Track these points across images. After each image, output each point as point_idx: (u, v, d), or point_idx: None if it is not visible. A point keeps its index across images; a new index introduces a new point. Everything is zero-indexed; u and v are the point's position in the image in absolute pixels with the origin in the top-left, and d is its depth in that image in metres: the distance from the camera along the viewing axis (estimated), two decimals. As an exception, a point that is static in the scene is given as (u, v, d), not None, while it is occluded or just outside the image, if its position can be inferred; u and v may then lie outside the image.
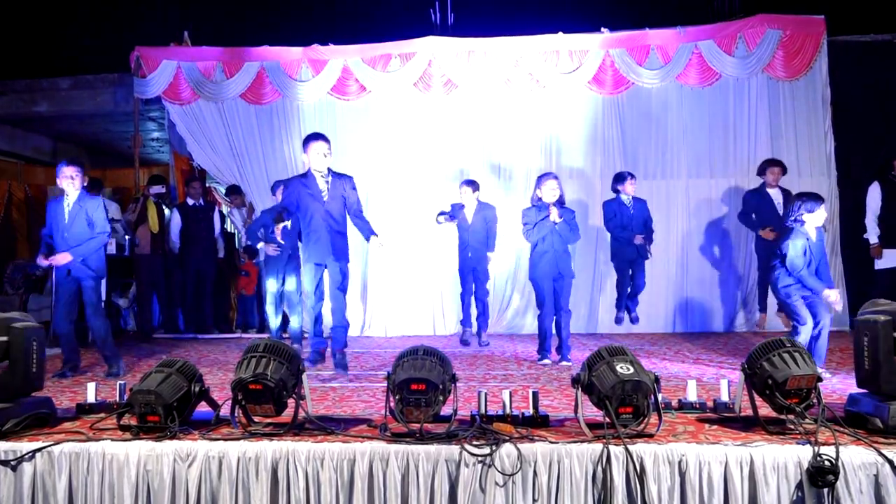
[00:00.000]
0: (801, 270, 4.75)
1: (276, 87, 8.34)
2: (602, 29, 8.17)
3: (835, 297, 4.74)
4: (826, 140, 7.95)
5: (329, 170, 5.11)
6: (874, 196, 6.98)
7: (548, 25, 8.22)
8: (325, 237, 5.01)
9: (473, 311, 7.12)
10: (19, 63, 9.89)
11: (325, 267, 5.08)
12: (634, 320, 7.03)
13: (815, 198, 4.87)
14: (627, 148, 8.17)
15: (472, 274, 6.91)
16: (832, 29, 7.99)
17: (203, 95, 8.40)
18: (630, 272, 6.94)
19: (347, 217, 5.19)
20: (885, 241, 6.94)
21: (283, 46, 8.40)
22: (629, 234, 6.82)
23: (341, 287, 5.08)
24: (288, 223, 5.98)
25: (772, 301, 6.77)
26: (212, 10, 9.59)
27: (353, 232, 5.27)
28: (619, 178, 6.93)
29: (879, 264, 6.99)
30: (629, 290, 7.01)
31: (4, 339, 3.39)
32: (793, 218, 4.85)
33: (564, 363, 5.69)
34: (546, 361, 5.72)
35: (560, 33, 8.15)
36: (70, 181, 5.33)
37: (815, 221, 4.83)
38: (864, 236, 7.12)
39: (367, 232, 5.16)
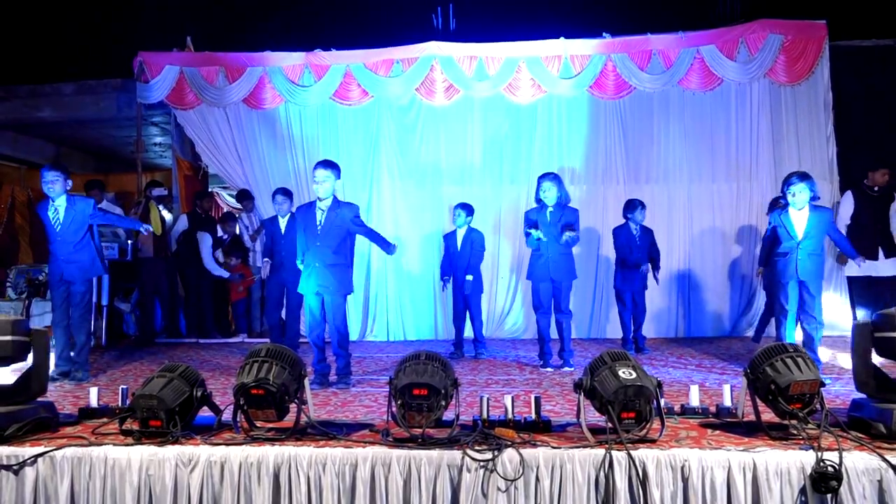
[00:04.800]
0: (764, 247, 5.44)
1: (279, 93, 8.37)
2: (604, 34, 8.19)
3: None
4: (828, 144, 7.95)
5: (334, 198, 5.00)
6: (846, 207, 7.29)
7: (550, 30, 8.24)
8: (315, 270, 4.94)
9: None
10: (23, 68, 9.92)
11: (323, 297, 5.00)
12: (642, 350, 6.86)
13: (789, 176, 5.19)
14: (629, 152, 8.18)
15: (463, 299, 6.72)
16: (834, 34, 8.00)
17: (206, 100, 8.42)
18: (632, 302, 6.81)
19: (348, 244, 5.10)
20: (861, 252, 7.09)
21: (286, 52, 8.43)
22: (635, 259, 6.72)
23: (335, 321, 4.97)
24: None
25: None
26: (214, 16, 9.61)
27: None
28: (630, 206, 6.83)
29: (849, 272, 7.31)
30: (633, 324, 6.86)
31: (27, 339, 3.41)
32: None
33: (567, 369, 5.67)
34: (548, 369, 5.69)
35: (562, 38, 8.17)
36: (50, 186, 5.35)
37: (793, 201, 5.10)
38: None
39: (385, 245, 5.18)
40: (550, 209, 5.71)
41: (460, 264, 6.69)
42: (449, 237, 6.91)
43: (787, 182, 5.14)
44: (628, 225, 6.78)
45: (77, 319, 5.46)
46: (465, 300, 6.71)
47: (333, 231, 4.94)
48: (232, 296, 8.49)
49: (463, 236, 6.75)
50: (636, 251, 6.72)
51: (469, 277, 6.67)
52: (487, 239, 7.21)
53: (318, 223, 4.97)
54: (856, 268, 7.16)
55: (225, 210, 10.21)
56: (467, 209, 6.79)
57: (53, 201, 5.41)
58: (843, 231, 7.21)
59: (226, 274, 8.16)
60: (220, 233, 8.39)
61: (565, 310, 5.82)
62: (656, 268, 6.87)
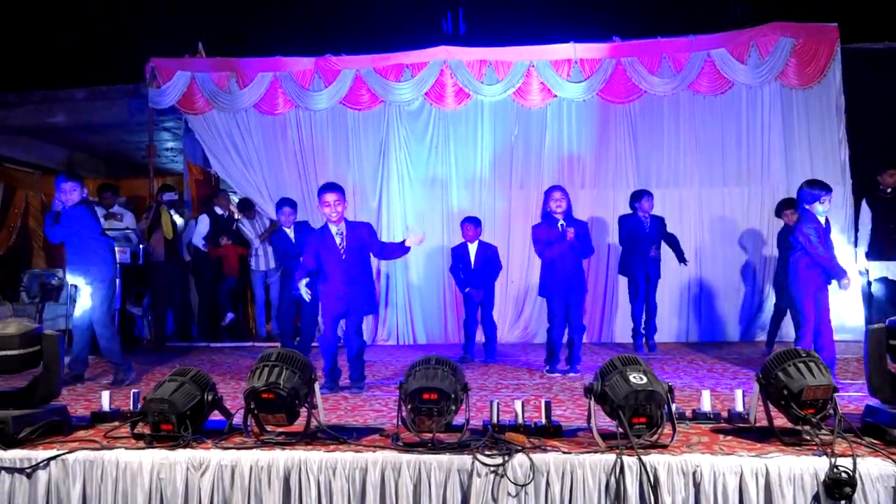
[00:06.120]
0: (818, 249, 4.81)
1: (289, 98, 8.40)
2: (614, 37, 8.18)
3: (849, 283, 4.92)
4: (840, 148, 7.90)
5: (345, 221, 5.01)
6: (865, 215, 7.27)
7: (559, 35, 8.24)
8: (345, 292, 4.91)
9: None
10: (36, 74, 10.02)
11: (346, 314, 5.01)
12: (653, 348, 6.85)
13: (819, 186, 4.99)
14: (640, 157, 8.15)
15: (478, 305, 6.69)
16: (846, 36, 7.94)
17: (217, 106, 8.46)
18: (644, 291, 6.81)
19: (368, 262, 5.15)
20: (878, 254, 7.17)
21: (296, 57, 8.47)
22: (643, 248, 6.75)
23: (357, 331, 5.03)
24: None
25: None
26: (226, 22, 9.68)
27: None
28: (637, 196, 6.87)
29: (873, 275, 7.24)
30: (644, 315, 6.86)
31: (36, 349, 3.42)
32: (803, 205, 5.01)
33: (573, 374, 5.64)
34: (556, 375, 5.67)
35: (572, 42, 8.16)
36: (68, 196, 5.33)
37: (823, 210, 4.96)
38: (856, 248, 7.45)
39: (400, 250, 5.14)
40: (562, 222, 5.65)
41: (474, 280, 6.65)
42: (459, 250, 6.83)
43: (825, 190, 4.94)
44: (636, 214, 6.80)
45: (97, 322, 5.44)
46: (479, 306, 6.69)
47: (356, 251, 4.95)
48: (225, 268, 8.42)
49: (476, 252, 6.72)
50: (645, 239, 6.72)
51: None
52: (497, 244, 7.18)
53: (339, 245, 4.93)
54: (876, 272, 7.15)
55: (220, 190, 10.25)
56: (475, 223, 6.75)
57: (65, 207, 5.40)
58: (867, 237, 7.16)
59: (204, 248, 8.23)
60: (219, 211, 8.41)
61: (578, 325, 5.79)
62: (679, 251, 6.90)
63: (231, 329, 8.50)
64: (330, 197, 4.91)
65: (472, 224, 6.71)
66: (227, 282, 8.43)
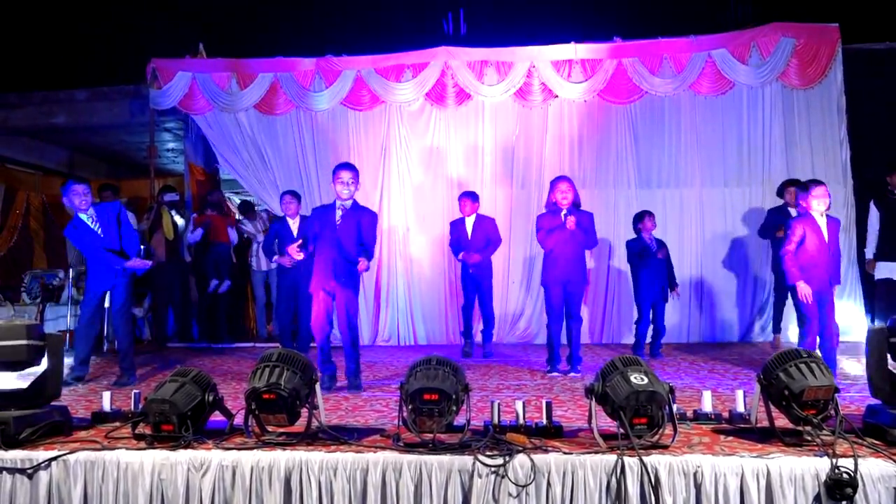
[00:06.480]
0: (786, 247, 5.05)
1: (290, 98, 8.40)
2: (615, 38, 8.18)
3: (803, 289, 4.96)
4: (841, 148, 7.89)
5: (354, 201, 5.07)
6: (873, 216, 7.19)
7: (560, 35, 8.25)
8: (332, 264, 4.96)
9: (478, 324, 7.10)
10: (37, 75, 10.04)
11: (334, 295, 5.00)
12: (657, 357, 6.79)
13: (811, 182, 5.16)
14: (641, 157, 8.14)
15: (477, 286, 6.76)
16: (847, 37, 7.94)
17: (218, 106, 8.47)
18: (651, 314, 6.77)
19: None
20: (886, 255, 7.07)
21: (297, 58, 8.47)
22: (653, 258, 6.68)
23: (349, 317, 5.01)
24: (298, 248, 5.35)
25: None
26: (226, 23, 9.70)
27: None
28: (639, 217, 6.78)
29: (878, 275, 7.15)
30: (651, 335, 6.81)
31: (41, 343, 3.44)
32: (800, 203, 5.23)
33: (573, 374, 5.64)
34: (555, 374, 5.66)
35: (572, 43, 8.16)
36: (83, 199, 5.35)
37: (817, 206, 5.03)
38: (864, 250, 7.35)
39: (359, 260, 4.99)
40: (565, 212, 5.66)
41: (471, 249, 6.68)
42: (457, 223, 6.90)
43: (814, 184, 5.11)
44: (642, 236, 6.75)
45: (120, 326, 5.47)
46: (476, 285, 6.68)
47: (351, 228, 5.01)
48: (211, 236, 8.39)
49: (473, 224, 6.75)
50: (652, 255, 6.69)
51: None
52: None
53: (336, 220, 5.02)
54: (881, 274, 7.12)
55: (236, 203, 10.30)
56: (472, 197, 6.85)
57: (84, 212, 5.37)
58: (874, 239, 7.04)
59: (197, 237, 8.22)
60: (209, 210, 8.44)
61: (576, 315, 5.79)
62: (671, 277, 6.84)
63: (230, 324, 8.49)
64: (346, 175, 5.01)
65: (469, 199, 6.79)
66: (216, 248, 8.37)
